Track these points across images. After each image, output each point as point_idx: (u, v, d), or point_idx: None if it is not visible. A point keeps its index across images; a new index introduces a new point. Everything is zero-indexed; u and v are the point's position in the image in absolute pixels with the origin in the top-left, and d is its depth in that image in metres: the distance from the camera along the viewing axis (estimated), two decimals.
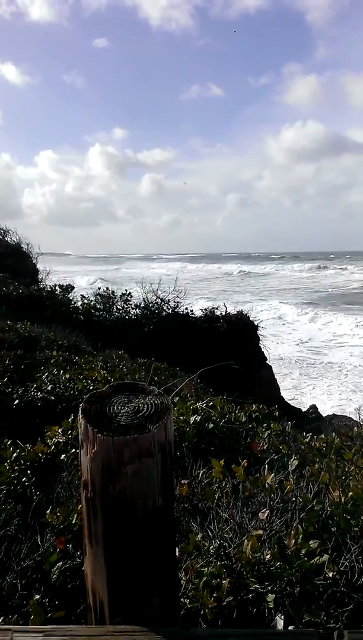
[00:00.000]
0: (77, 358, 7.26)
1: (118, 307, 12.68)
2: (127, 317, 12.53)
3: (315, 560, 2.08)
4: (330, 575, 2.05)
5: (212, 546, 2.29)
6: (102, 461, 1.12)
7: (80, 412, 1.22)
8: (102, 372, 6.16)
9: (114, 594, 1.12)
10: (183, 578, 2.13)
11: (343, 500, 2.48)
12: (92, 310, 12.46)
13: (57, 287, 13.43)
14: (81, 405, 1.24)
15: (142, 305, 12.73)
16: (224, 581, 2.04)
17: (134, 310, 12.62)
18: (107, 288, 13.34)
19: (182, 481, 2.86)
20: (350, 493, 2.52)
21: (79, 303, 12.92)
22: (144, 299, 12.87)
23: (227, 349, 11.37)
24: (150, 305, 12.72)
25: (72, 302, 12.94)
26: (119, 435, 1.13)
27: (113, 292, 13.09)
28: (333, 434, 4.87)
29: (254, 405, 4.98)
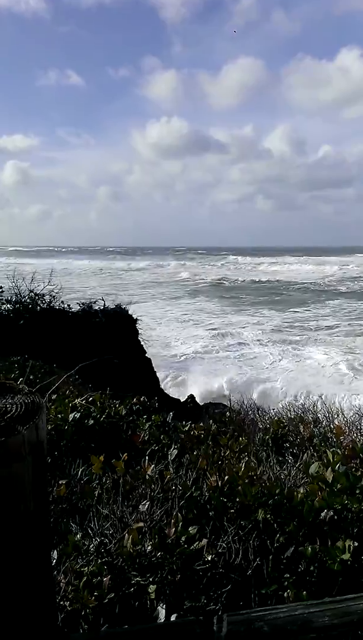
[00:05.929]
0: None
1: None
2: None
3: (195, 545, 2.13)
4: (209, 559, 2.12)
5: (92, 544, 2.24)
6: None
7: None
8: None
9: None
10: (62, 581, 2.06)
11: (220, 484, 2.58)
12: None
13: None
14: None
15: (14, 299, 12.01)
16: (105, 578, 2.01)
17: (5, 305, 11.87)
18: None
19: (60, 481, 2.77)
20: (226, 477, 2.62)
21: None
22: (16, 293, 12.15)
23: (106, 343, 11.27)
24: (23, 300, 12.06)
25: None
26: None
27: None
28: (211, 421, 5.06)
29: (135, 398, 4.99)
